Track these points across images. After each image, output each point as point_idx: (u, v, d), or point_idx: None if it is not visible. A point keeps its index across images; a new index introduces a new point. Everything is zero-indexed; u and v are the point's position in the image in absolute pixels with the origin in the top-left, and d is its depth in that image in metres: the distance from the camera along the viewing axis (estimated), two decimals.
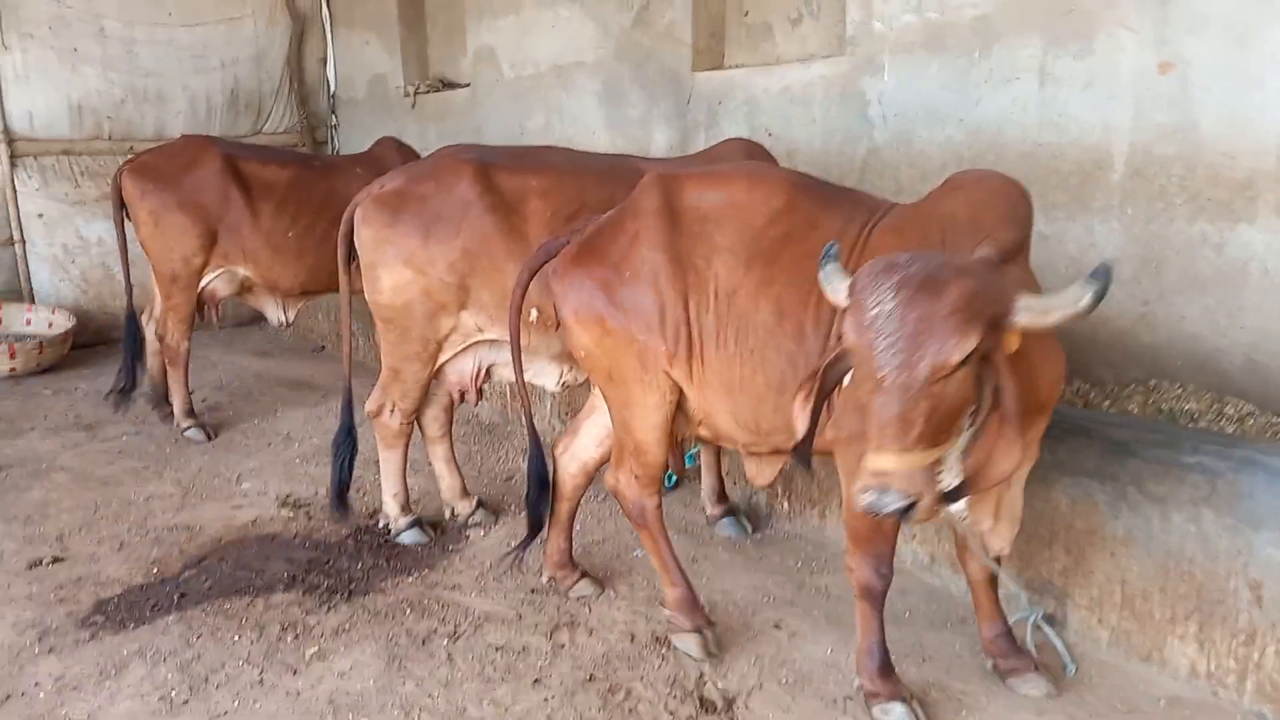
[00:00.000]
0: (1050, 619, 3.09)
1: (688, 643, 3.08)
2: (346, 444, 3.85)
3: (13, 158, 7.20)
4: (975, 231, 2.38)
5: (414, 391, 3.80)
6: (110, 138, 7.58)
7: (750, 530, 4.00)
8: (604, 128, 6.10)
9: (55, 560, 3.80)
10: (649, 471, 3.06)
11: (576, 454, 3.44)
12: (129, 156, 5.21)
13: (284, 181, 5.24)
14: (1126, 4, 3.61)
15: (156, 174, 5.08)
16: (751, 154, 3.80)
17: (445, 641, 3.19)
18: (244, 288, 5.33)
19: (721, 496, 4.06)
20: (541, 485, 3.42)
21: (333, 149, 8.82)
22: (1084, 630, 3.11)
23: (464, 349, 3.73)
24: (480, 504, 4.15)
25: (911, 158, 4.41)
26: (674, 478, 4.32)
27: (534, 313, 3.49)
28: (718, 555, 3.82)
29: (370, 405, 3.87)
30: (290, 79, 8.48)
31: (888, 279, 2.03)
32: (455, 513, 4.13)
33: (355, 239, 3.70)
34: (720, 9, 5.48)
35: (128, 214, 5.17)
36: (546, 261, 3.12)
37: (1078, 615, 3.13)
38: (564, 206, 3.50)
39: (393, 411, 3.83)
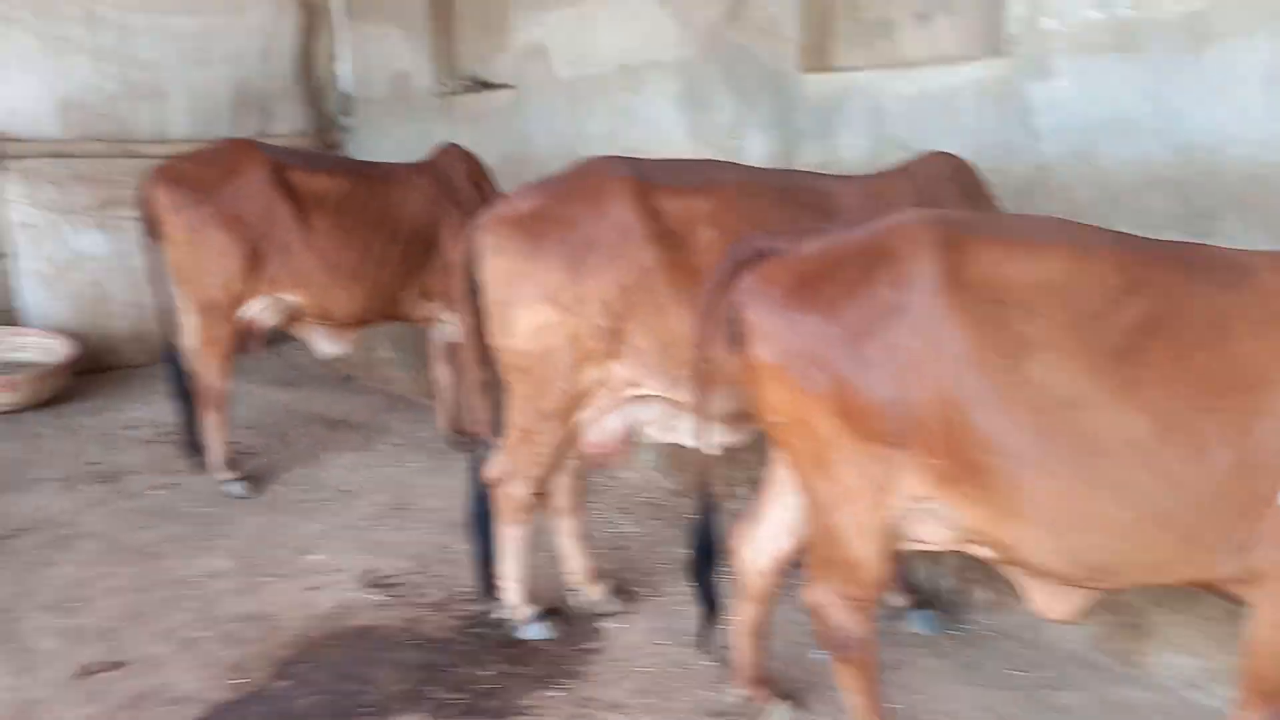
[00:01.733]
0: None
1: None
2: (483, 514, 3.23)
3: None
4: None
5: (548, 456, 3.14)
6: (103, 138, 6.72)
7: (943, 625, 3.40)
8: (685, 135, 5.45)
9: (114, 666, 3.06)
10: (866, 591, 2.35)
11: (764, 546, 2.75)
12: (163, 161, 4.41)
13: (339, 193, 4.53)
14: None
15: (194, 183, 4.31)
16: (959, 172, 3.19)
17: None
18: (291, 317, 4.59)
19: (910, 585, 3.44)
20: (707, 559, 2.77)
21: (346, 153, 8.03)
22: None
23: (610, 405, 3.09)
24: (617, 590, 3.49)
25: (1093, 177, 3.84)
26: None
27: None
28: (918, 659, 3.19)
29: (494, 471, 3.20)
30: (300, 75, 7.70)
31: None
32: (582, 600, 3.47)
33: (481, 269, 3.05)
34: (829, 1, 4.88)
35: (154, 228, 4.39)
36: (741, 267, 2.43)
37: None
38: (739, 236, 2.87)
39: (521, 480, 3.17)
